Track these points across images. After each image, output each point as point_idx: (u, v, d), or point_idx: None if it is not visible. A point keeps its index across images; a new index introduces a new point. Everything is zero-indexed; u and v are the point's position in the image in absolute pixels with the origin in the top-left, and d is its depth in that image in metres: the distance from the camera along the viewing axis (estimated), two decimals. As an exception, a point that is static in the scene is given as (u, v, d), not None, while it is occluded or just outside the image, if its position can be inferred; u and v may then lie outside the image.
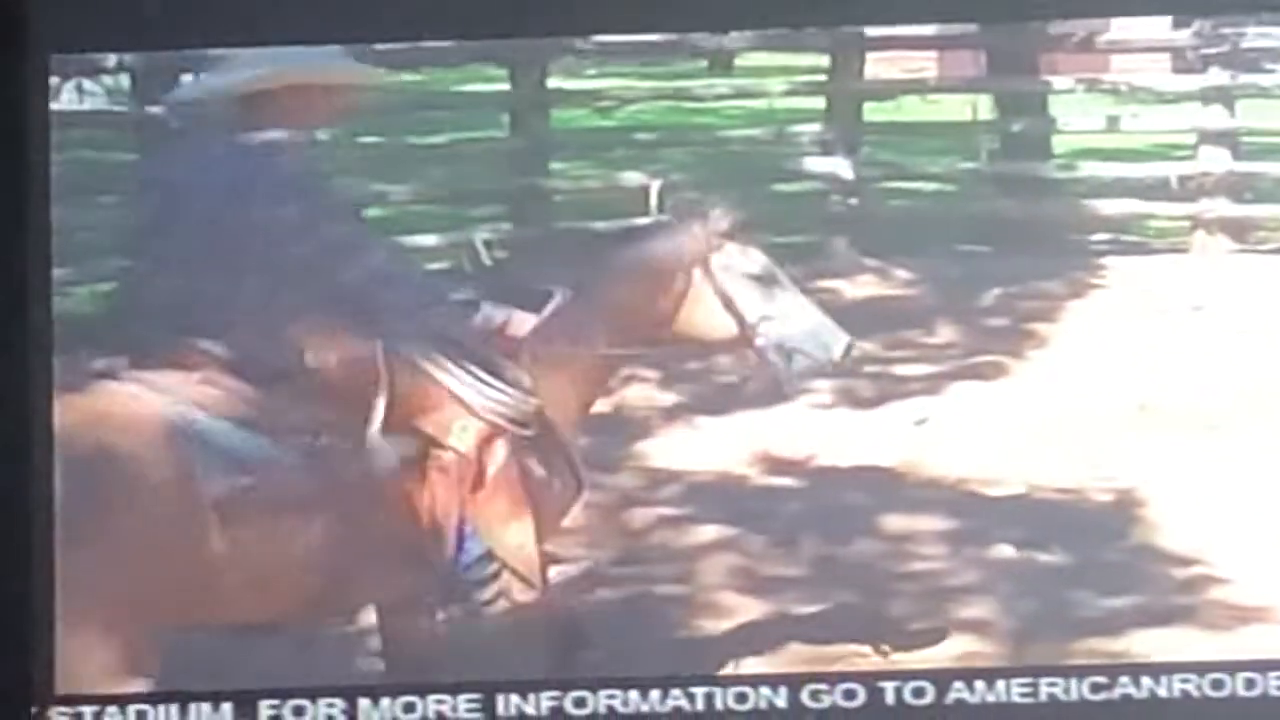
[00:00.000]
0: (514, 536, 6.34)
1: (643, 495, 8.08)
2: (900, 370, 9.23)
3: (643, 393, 9.30)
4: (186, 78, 11.90)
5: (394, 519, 6.24)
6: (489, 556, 6.35)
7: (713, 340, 6.28)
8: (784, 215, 12.07)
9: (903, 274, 11.16)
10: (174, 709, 6.43)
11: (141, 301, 6.61)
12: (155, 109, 10.85)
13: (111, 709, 6.41)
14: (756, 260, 6.14)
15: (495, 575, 6.37)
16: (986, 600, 6.99)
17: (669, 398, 9.21)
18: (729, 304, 6.15)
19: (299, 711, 6.34)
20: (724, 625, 7.05)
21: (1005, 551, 7.33)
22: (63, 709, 6.42)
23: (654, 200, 11.84)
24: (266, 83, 6.09)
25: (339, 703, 6.35)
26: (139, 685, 6.39)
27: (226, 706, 6.45)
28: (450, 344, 6.24)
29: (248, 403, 6.00)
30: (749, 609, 7.09)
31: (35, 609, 6.47)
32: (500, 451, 6.16)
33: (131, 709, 6.42)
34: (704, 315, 6.22)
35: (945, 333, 9.73)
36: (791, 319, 6.17)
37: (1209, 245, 11.04)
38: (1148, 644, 6.65)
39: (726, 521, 7.73)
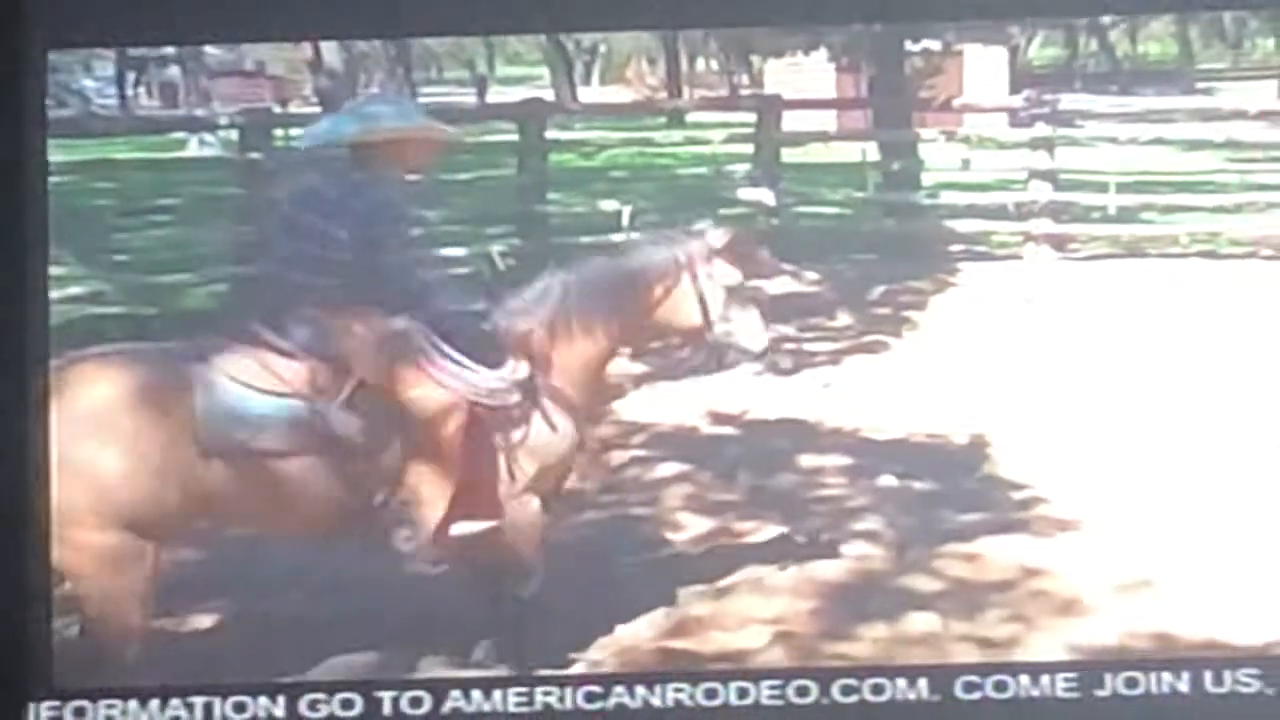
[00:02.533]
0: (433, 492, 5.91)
1: (619, 441, 8.06)
2: (810, 347, 9.24)
3: (618, 366, 9.31)
4: (295, 129, 11.96)
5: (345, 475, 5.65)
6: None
7: (681, 328, 6.16)
8: (721, 232, 12.11)
9: (811, 275, 11.17)
10: (174, 702, 5.40)
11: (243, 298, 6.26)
12: (255, 154, 10.90)
13: (109, 701, 5.42)
14: (733, 276, 6.06)
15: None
16: (876, 517, 6.96)
17: (639, 368, 9.22)
18: (702, 303, 6.04)
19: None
20: (681, 536, 7.00)
21: (889, 481, 7.31)
22: (54, 703, 5.40)
23: (626, 220, 11.88)
24: (369, 136, 5.89)
25: (343, 696, 5.42)
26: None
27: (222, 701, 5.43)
28: (450, 337, 5.95)
29: (276, 376, 5.52)
30: (699, 525, 7.04)
31: (32, 603, 5.50)
32: (454, 422, 5.83)
33: (131, 703, 5.38)
34: (683, 309, 6.10)
35: (843, 319, 9.74)
36: (737, 322, 6.09)
37: (1037, 254, 11.07)
38: (993, 548, 6.66)
39: (682, 460, 7.70)
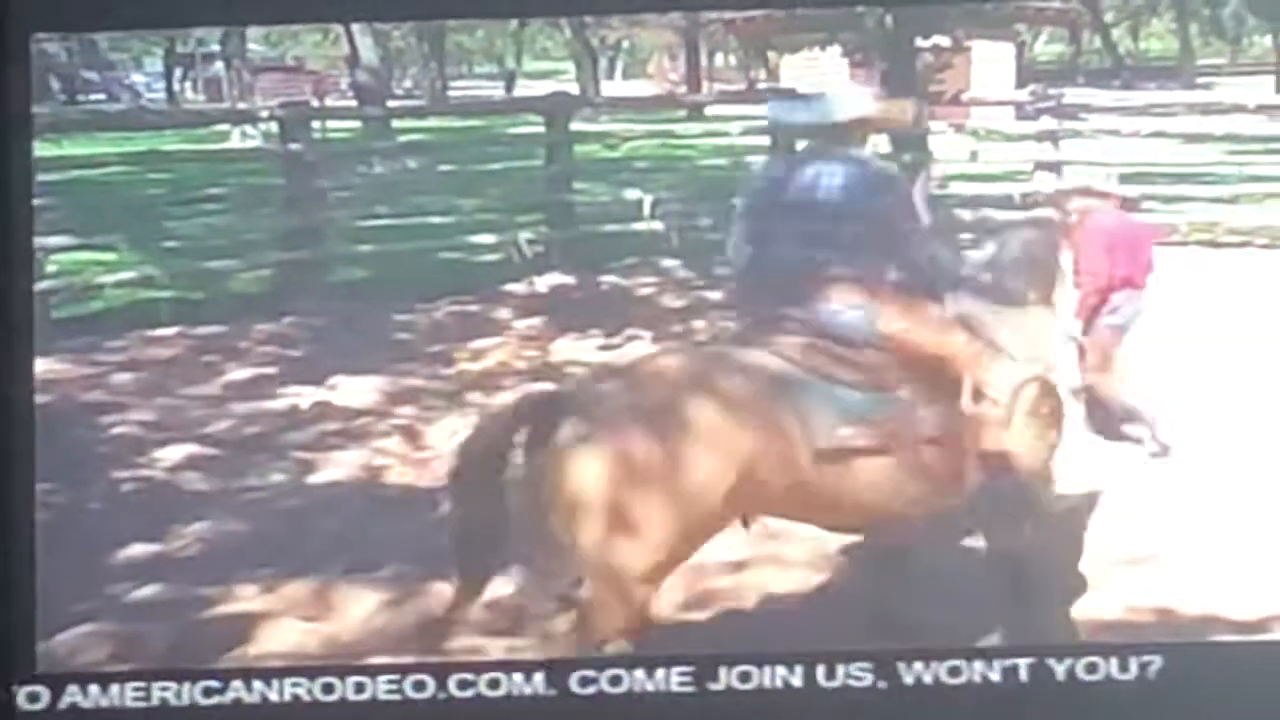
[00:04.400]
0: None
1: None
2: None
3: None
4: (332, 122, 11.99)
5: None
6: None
7: None
8: (740, 219, 12.11)
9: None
10: (157, 687, 5.14)
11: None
12: (295, 146, 10.93)
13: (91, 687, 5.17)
14: None
15: None
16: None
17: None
18: None
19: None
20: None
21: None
22: (34, 688, 5.15)
23: (647, 209, 11.92)
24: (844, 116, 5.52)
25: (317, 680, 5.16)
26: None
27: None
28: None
29: (853, 367, 5.08)
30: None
31: (17, 588, 5.27)
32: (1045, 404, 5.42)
33: (114, 688, 5.14)
34: None
35: (856, 304, 9.72)
36: None
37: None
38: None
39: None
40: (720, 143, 12.56)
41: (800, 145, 5.80)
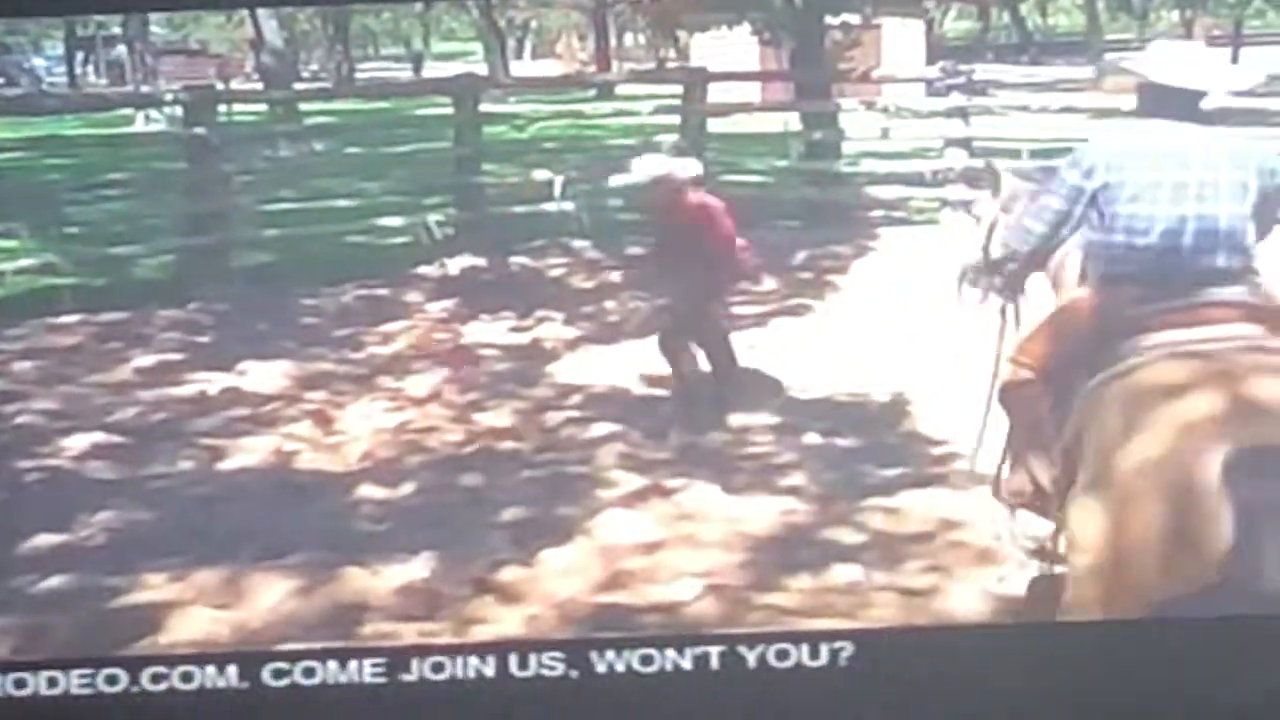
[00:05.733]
0: None
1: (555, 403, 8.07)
2: (737, 310, 9.27)
3: (552, 330, 9.34)
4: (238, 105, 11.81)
5: None
6: None
7: None
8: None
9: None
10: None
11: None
12: (199, 130, 10.82)
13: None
14: None
15: None
16: (801, 472, 6.98)
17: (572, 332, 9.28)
18: None
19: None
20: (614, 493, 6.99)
21: (814, 438, 7.34)
22: None
23: (558, 190, 11.92)
24: None
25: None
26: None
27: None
28: None
29: None
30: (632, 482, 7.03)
31: None
32: None
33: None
34: None
35: (769, 283, 9.75)
36: None
37: (952, 219, 11.13)
38: (913, 501, 6.69)
39: (615, 420, 7.70)
40: (630, 122, 12.57)
41: None
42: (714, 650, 4.99)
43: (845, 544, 6.25)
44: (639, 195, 8.26)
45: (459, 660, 4.98)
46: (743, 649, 4.99)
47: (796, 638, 5.02)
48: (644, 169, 8.08)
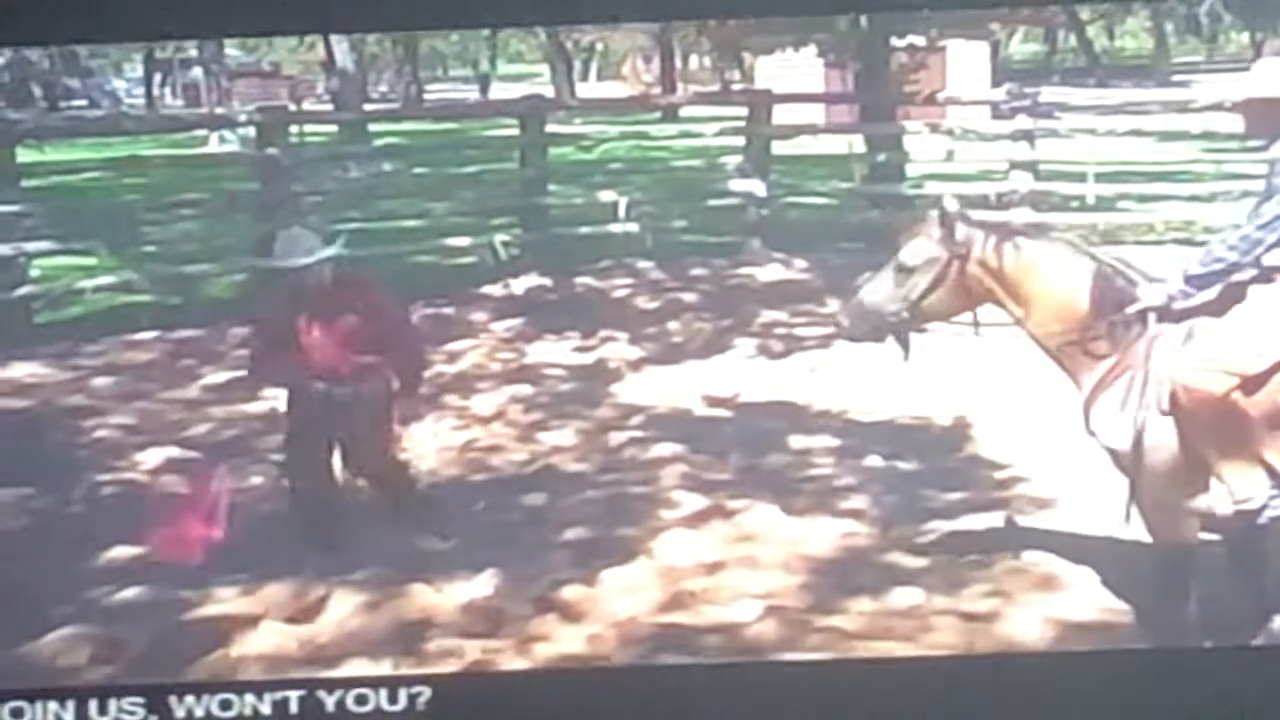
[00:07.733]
0: None
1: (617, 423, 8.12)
2: (799, 332, 9.32)
3: (616, 349, 9.39)
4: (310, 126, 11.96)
5: None
6: None
7: None
8: (715, 222, 12.21)
9: (800, 264, 11.26)
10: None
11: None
12: (271, 150, 10.97)
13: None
14: None
15: None
16: (862, 496, 7.00)
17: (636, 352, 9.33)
18: None
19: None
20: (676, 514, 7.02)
21: (875, 461, 7.36)
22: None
23: (622, 211, 12.02)
24: None
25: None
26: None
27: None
28: None
29: None
30: (695, 503, 7.06)
31: None
32: None
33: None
34: None
35: (831, 306, 9.77)
36: None
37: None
38: (976, 524, 6.69)
39: (677, 441, 7.73)
40: (695, 144, 12.66)
41: None
42: (293, 695, 5.09)
43: (906, 567, 6.29)
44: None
45: (38, 705, 5.03)
46: (322, 693, 5.12)
47: (375, 683, 5.15)
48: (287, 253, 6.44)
